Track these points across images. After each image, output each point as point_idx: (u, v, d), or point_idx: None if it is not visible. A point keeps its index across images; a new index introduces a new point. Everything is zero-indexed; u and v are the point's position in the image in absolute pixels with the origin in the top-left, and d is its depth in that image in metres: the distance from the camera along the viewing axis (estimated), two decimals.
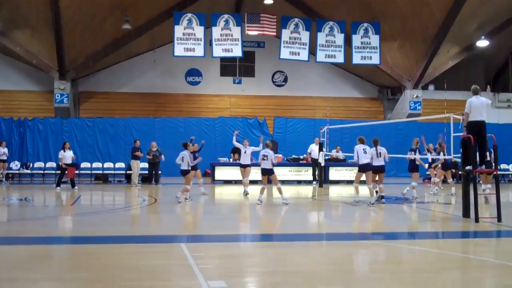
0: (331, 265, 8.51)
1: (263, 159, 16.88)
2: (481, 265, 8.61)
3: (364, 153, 17.34)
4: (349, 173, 27.51)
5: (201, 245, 10.25)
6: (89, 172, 27.96)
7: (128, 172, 27.08)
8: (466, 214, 13.41)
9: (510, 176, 31.13)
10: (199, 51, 28.39)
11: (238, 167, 20.59)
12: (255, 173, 21.40)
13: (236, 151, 25.04)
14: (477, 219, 12.60)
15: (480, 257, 9.35)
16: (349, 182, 27.12)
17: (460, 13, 28.36)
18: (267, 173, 16.93)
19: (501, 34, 33.30)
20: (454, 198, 19.18)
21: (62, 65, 30.39)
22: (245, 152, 19.95)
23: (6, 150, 26.15)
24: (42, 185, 26.06)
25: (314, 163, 25.55)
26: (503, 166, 28.76)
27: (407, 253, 9.74)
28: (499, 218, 12.75)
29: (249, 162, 19.97)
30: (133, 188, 23.51)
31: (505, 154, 28.53)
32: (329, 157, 26.75)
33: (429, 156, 20.44)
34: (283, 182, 26.03)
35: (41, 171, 28.25)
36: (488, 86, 14.78)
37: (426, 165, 20.73)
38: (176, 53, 28.45)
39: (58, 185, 22.49)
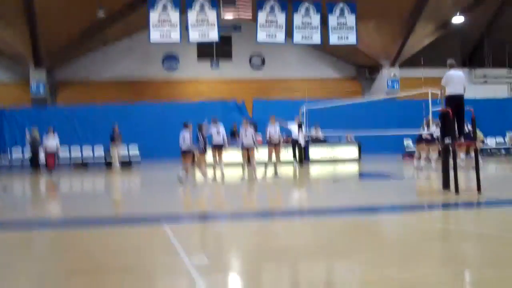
0: (315, 239, 8.51)
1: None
2: (462, 235, 8.68)
3: (217, 134, 18.68)
4: (329, 152, 27.74)
5: (184, 224, 10.23)
6: (68, 158, 27.81)
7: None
8: (446, 185, 13.50)
9: (488, 150, 31.44)
10: (175, 36, 28.26)
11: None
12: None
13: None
14: (457, 191, 12.70)
15: (460, 227, 9.44)
16: (329, 161, 27.31)
17: None
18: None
19: (476, 10, 33.56)
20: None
21: (37, 54, 30.08)
22: (245, 135, 18.99)
23: None
24: (21, 173, 25.90)
25: (293, 143, 25.57)
26: None
27: (389, 225, 9.81)
28: (478, 189, 12.87)
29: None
30: (115, 173, 23.41)
31: (482, 129, 28.72)
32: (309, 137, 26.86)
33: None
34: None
35: (20, 161, 28.08)
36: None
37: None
38: (152, 39, 28.30)
39: (50, 171, 22.47)
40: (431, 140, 20.43)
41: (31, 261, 7.39)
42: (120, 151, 25.11)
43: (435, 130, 19.24)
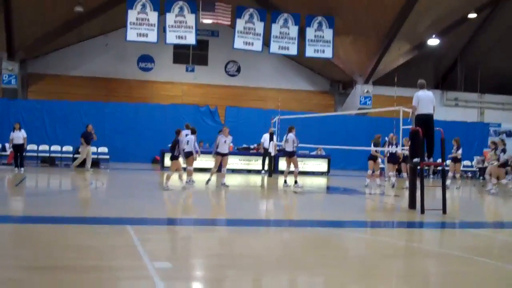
0: (278, 250, 8.52)
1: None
2: (426, 253, 8.73)
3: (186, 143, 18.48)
4: (299, 163, 27.72)
5: (148, 228, 10.13)
6: (35, 154, 27.44)
7: (76, 155, 26.84)
8: (412, 205, 13.60)
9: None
10: (152, 36, 28.12)
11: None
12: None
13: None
14: (422, 211, 12.79)
15: (425, 245, 9.51)
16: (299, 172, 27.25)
17: (413, 11, 28.84)
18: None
19: (452, 34, 34.07)
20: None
21: (11, 45, 29.67)
22: (224, 142, 18.82)
23: None
24: None
25: (265, 153, 25.55)
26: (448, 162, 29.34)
27: (353, 240, 9.83)
28: (444, 210, 12.99)
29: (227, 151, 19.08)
30: (86, 173, 22.98)
31: (451, 150, 29.10)
32: (280, 147, 26.84)
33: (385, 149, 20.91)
34: (233, 170, 26.07)
35: None
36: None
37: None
38: (128, 38, 28.12)
39: (16, 165, 22.14)
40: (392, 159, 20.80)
41: None
42: (89, 151, 24.11)
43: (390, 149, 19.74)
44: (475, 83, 38.03)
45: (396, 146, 20.17)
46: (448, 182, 21.32)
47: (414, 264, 8.03)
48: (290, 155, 19.62)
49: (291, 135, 19.43)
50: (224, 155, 18.82)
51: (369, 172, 20.99)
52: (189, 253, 8.03)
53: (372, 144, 20.78)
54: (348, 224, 11.67)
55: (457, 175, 22.56)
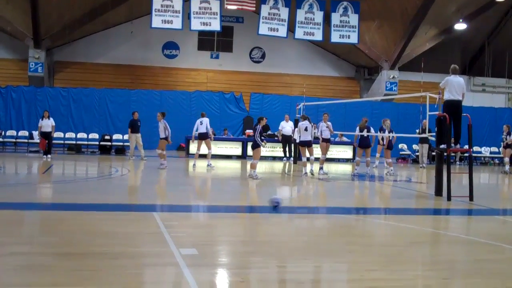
0: (303, 236, 8.51)
1: None
2: (452, 241, 8.66)
3: (200, 124, 20.62)
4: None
5: (174, 215, 10.19)
6: (62, 142, 27.70)
7: (102, 143, 27.21)
8: (438, 192, 13.49)
9: (482, 158, 31.52)
10: (177, 23, 28.14)
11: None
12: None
13: None
14: (449, 198, 12.68)
15: (451, 233, 9.43)
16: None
17: None
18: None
19: (479, 18, 33.56)
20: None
21: (37, 33, 29.94)
22: (306, 130, 18.83)
23: None
24: (14, 153, 25.78)
25: (284, 140, 25.54)
26: (475, 148, 29.11)
27: (378, 227, 9.79)
28: (471, 197, 12.87)
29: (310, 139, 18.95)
30: (130, 161, 22.87)
31: (478, 137, 28.81)
32: None
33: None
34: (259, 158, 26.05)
35: (13, 140, 27.95)
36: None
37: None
38: (153, 25, 28.18)
39: (44, 153, 22.40)
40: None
41: (20, 243, 7.36)
42: (139, 139, 23.50)
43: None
44: (503, 68, 37.52)
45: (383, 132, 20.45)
46: (506, 167, 23.32)
47: (440, 251, 7.97)
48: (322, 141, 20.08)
49: (321, 123, 19.63)
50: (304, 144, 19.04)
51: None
52: (214, 239, 8.04)
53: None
54: (373, 211, 11.64)
55: (506, 159, 23.62)
